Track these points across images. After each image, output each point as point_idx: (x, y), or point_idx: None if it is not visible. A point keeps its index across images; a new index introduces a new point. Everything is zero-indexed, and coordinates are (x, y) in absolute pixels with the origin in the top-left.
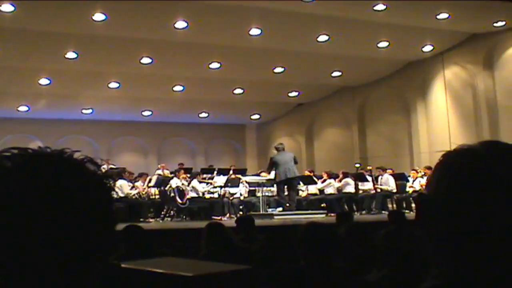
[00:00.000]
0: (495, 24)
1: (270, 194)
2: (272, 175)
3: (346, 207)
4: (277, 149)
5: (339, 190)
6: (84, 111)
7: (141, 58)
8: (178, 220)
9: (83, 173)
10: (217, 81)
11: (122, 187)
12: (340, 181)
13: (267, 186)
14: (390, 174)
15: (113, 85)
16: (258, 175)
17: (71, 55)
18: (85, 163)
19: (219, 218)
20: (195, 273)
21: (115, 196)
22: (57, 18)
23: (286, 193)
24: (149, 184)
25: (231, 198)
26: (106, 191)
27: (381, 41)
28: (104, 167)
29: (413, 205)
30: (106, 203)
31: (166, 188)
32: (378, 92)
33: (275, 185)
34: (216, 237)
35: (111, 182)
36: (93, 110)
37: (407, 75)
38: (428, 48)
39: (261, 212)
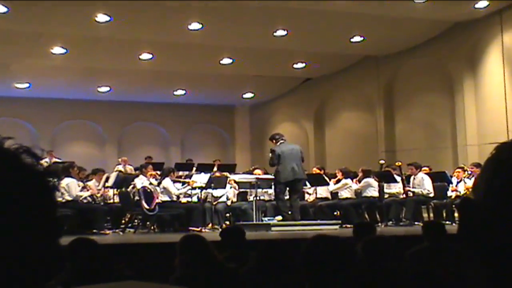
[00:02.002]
0: None
1: (266, 198)
2: (271, 172)
3: (366, 216)
4: (275, 139)
5: (357, 193)
6: (17, 85)
7: (96, 16)
8: (144, 232)
9: (17, 168)
10: (198, 48)
11: (70, 187)
12: (359, 181)
13: (262, 188)
14: (426, 173)
15: (58, 50)
16: (250, 172)
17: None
18: (20, 154)
19: (199, 229)
20: None
21: (60, 199)
22: None
23: (287, 197)
24: (106, 184)
25: (214, 203)
26: (47, 192)
27: None
28: (46, 161)
29: (456, 214)
30: (48, 209)
31: (129, 190)
32: (411, 64)
33: (273, 186)
34: (194, 254)
35: (54, 181)
36: (30, 85)
37: (451, 41)
38: (482, 3)
39: (254, 222)
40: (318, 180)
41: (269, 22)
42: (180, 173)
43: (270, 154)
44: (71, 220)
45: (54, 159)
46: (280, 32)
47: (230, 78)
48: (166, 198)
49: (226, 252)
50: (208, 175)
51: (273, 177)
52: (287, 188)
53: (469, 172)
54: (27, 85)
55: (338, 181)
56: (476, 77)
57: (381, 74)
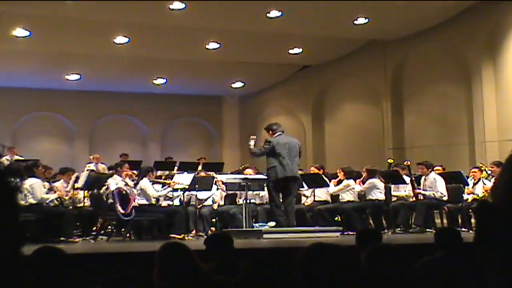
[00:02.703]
0: None
1: (257, 201)
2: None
3: (371, 221)
4: (272, 130)
5: (361, 196)
6: None
7: None
8: (119, 240)
9: None
10: (180, 31)
11: (34, 189)
12: (363, 182)
13: (253, 190)
14: (439, 174)
15: (20, 32)
16: (240, 172)
17: None
18: None
19: (181, 236)
20: None
21: (22, 202)
22: None
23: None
24: (76, 185)
25: (199, 207)
26: (8, 194)
27: None
28: (7, 158)
29: (473, 219)
30: (9, 213)
31: (102, 191)
32: (422, 50)
33: (265, 188)
34: (176, 265)
35: (16, 181)
36: None
37: (468, 24)
38: None
39: (244, 228)
40: (316, 181)
41: (261, 1)
42: (160, 172)
43: (263, 143)
44: (35, 226)
45: (16, 157)
46: (274, 13)
47: (217, 65)
48: (144, 201)
49: (212, 263)
50: (191, 175)
51: (265, 176)
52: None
53: (488, 172)
54: None
55: (339, 182)
56: (496, 64)
57: (388, 61)
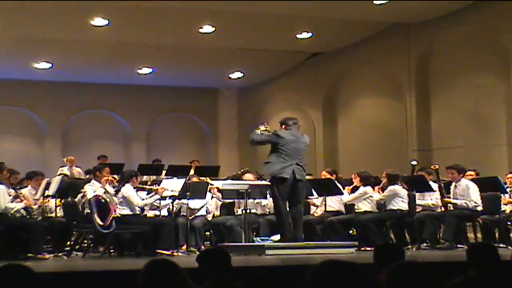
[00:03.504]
0: None
1: (259, 212)
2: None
3: (392, 235)
4: (286, 125)
5: (380, 205)
6: None
7: None
8: (97, 256)
9: None
10: (169, 12)
11: None
12: (382, 189)
13: (254, 198)
14: (472, 180)
15: None
16: (239, 178)
17: None
18: None
19: (169, 252)
20: None
21: None
22: None
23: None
24: (47, 192)
25: (190, 218)
26: None
27: None
28: None
29: None
30: None
31: (77, 200)
32: (452, 34)
33: (268, 195)
34: (163, 285)
35: None
36: None
37: (508, 2)
38: None
39: (243, 243)
40: (328, 188)
41: None
42: (145, 178)
43: (270, 133)
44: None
45: None
46: None
47: (212, 51)
48: (127, 211)
49: (206, 283)
50: (182, 181)
51: (268, 183)
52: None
53: None
54: None
55: (355, 189)
56: None
57: (413, 48)
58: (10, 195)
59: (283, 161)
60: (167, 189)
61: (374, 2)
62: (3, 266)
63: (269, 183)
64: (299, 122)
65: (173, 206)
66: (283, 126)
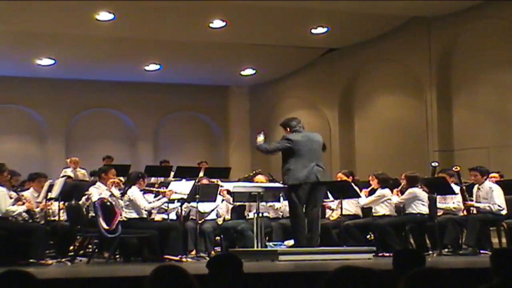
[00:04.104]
0: None
1: (271, 215)
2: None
3: (412, 240)
4: (290, 126)
5: (399, 209)
6: None
7: None
8: (101, 262)
9: None
10: (178, 5)
11: None
12: (401, 192)
13: (266, 201)
14: (496, 182)
15: None
16: (250, 180)
17: None
18: None
19: (178, 258)
20: None
21: None
22: None
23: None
24: (49, 195)
25: (200, 222)
26: None
27: None
28: None
29: None
30: None
31: (81, 203)
32: (476, 28)
33: (281, 198)
34: None
35: None
36: None
37: None
38: None
39: (255, 248)
40: (344, 191)
41: None
42: (153, 179)
43: (280, 140)
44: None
45: None
46: None
47: (223, 47)
48: (133, 215)
49: None
50: (191, 183)
51: (281, 185)
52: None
53: None
54: None
55: (372, 191)
56: None
57: (434, 43)
58: (11, 198)
59: (304, 165)
60: (176, 192)
61: None
62: (4, 272)
63: (282, 185)
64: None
65: (181, 209)
66: (288, 129)
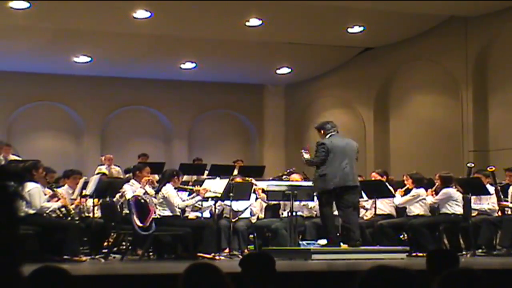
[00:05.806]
0: None
1: (305, 214)
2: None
3: (445, 241)
4: (325, 129)
5: (433, 209)
6: None
7: None
8: (135, 259)
9: None
10: (214, 4)
11: (33, 196)
12: (436, 192)
13: (300, 200)
14: None
15: (18, 4)
16: (285, 178)
17: None
18: None
19: (211, 256)
20: None
21: (21, 213)
22: None
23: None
24: (84, 192)
25: (233, 220)
26: (6, 201)
27: None
28: (0, 158)
29: None
30: (7, 225)
31: (115, 200)
32: None
33: (315, 197)
34: None
35: (15, 186)
36: None
37: None
38: None
39: (288, 247)
40: (378, 190)
41: None
42: (187, 177)
43: (317, 148)
44: (34, 242)
45: (12, 156)
46: None
47: (259, 45)
48: (167, 212)
49: None
50: (225, 181)
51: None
52: (335, 200)
53: None
54: None
55: (407, 191)
56: None
57: (471, 43)
58: (45, 194)
59: (336, 167)
60: (210, 190)
61: None
62: (38, 268)
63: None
64: (337, 123)
65: (215, 207)
66: (322, 132)
